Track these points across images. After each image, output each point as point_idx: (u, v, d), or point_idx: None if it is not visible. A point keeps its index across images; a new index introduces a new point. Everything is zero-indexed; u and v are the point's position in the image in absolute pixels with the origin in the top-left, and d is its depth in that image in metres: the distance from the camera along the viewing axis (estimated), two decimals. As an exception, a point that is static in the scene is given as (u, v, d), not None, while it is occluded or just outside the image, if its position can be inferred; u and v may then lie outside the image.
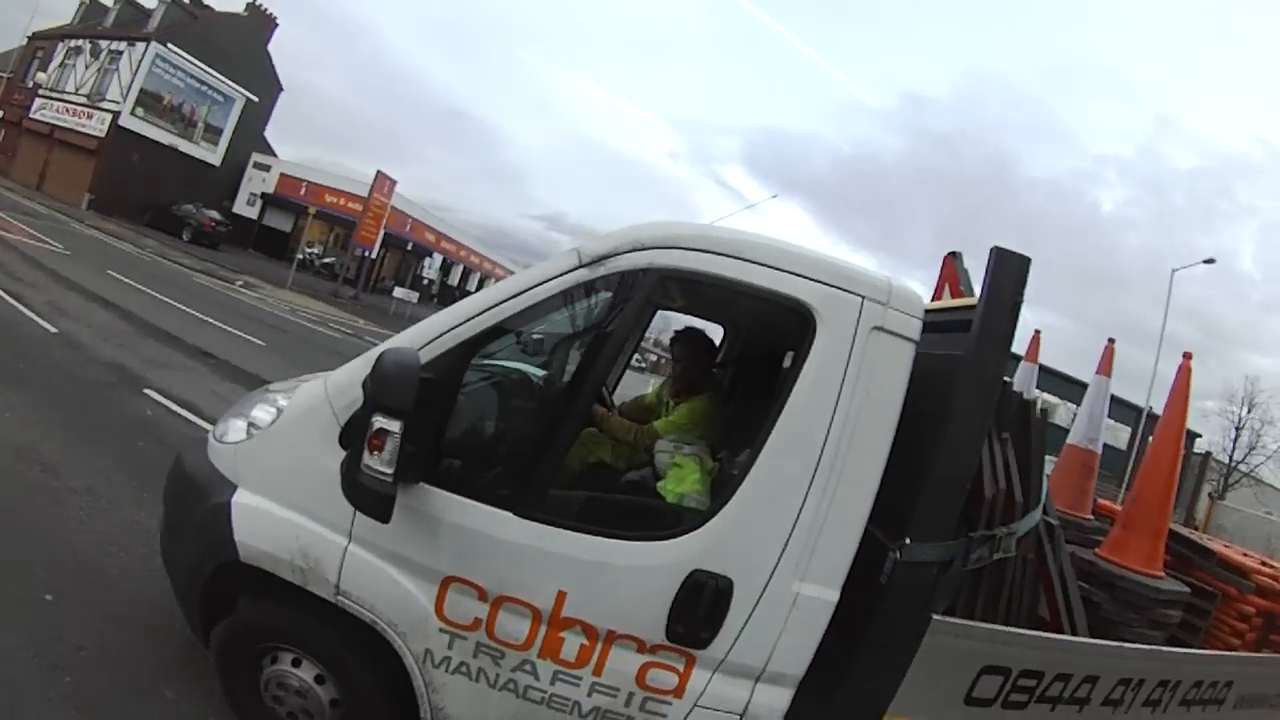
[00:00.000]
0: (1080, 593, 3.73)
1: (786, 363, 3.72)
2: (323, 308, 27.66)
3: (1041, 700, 3.14)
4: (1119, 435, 36.61)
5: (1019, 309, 2.90)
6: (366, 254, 37.92)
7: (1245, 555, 4.51)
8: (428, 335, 3.07)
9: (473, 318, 3.06)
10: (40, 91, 40.44)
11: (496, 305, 3.06)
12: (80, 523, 5.14)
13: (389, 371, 2.66)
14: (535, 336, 4.21)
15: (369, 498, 2.73)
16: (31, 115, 40.32)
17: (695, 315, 4.60)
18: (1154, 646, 3.49)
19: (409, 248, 47.27)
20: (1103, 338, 5.33)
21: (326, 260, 42.30)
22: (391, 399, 2.64)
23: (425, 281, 47.03)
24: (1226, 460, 46.58)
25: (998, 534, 3.10)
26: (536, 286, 3.05)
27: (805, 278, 2.93)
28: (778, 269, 2.94)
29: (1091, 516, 4.99)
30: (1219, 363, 74.74)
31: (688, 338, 4.47)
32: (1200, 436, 45.55)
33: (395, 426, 2.64)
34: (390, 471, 2.67)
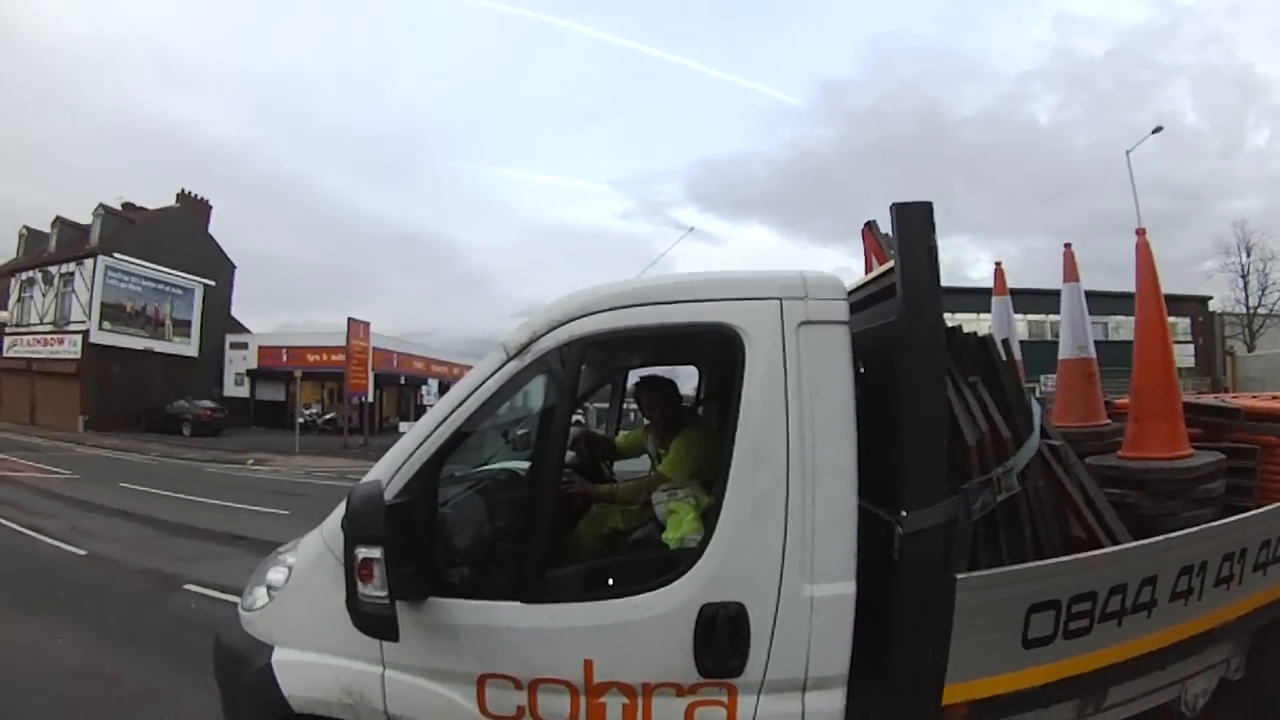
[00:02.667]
0: (1114, 499, 3.69)
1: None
2: (336, 462, 27.84)
3: (1104, 619, 3.09)
4: (1130, 328, 36.43)
5: (935, 254, 2.88)
6: (363, 400, 38.30)
7: (1275, 398, 4.45)
8: (394, 464, 3.16)
9: (429, 435, 3.15)
10: (7, 330, 41.07)
11: (447, 417, 3.16)
12: (155, 720, 5.26)
13: (357, 506, 2.81)
14: (521, 432, 4.34)
15: (373, 622, 2.84)
16: (6, 354, 40.93)
17: (659, 364, 4.74)
18: (1202, 526, 3.39)
19: (402, 381, 47.75)
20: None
21: (327, 416, 42.62)
22: (364, 530, 2.79)
23: (428, 409, 47.29)
24: (1245, 310, 46.36)
25: (994, 475, 3.09)
26: (476, 390, 3.14)
27: (717, 300, 3.00)
28: (689, 301, 3.01)
29: (1109, 421, 4.96)
30: (1202, 221, 75.01)
31: (644, 386, 4.53)
32: (1211, 298, 45.61)
33: (376, 553, 2.76)
34: (384, 594, 2.77)
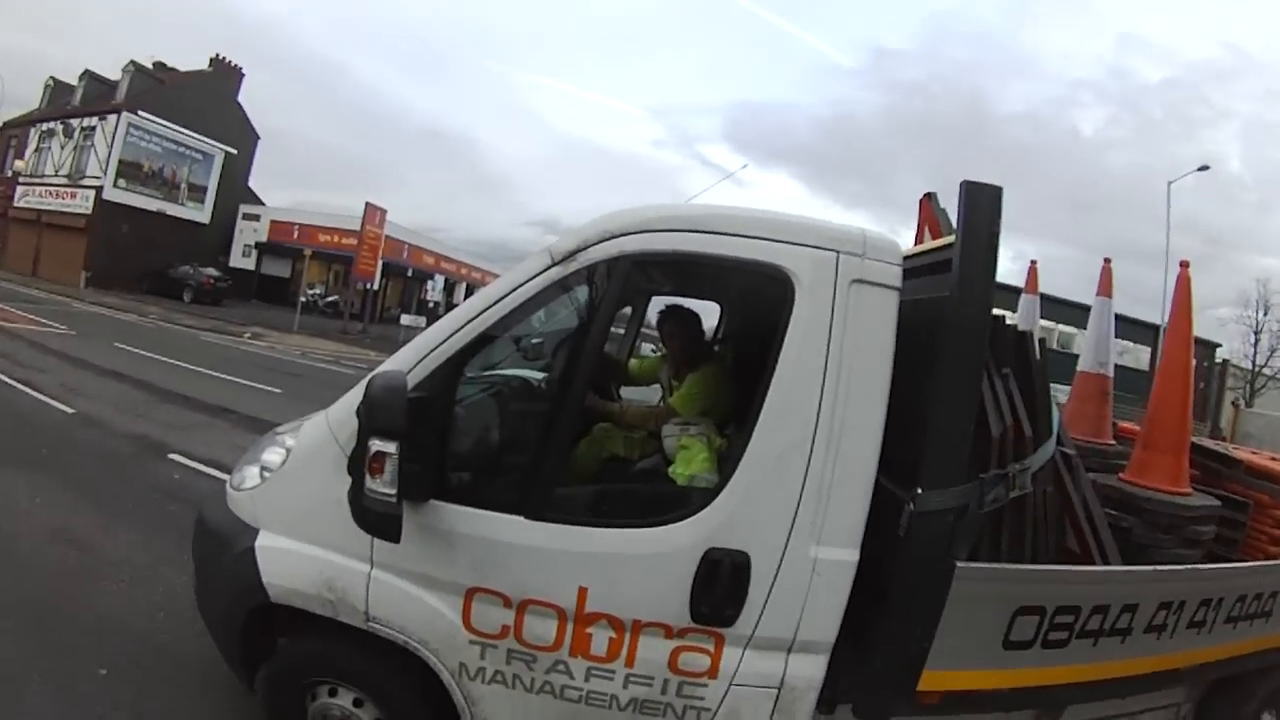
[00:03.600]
0: (1108, 519, 3.68)
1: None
2: (333, 346, 27.71)
3: (1082, 635, 3.11)
4: (1140, 357, 36.31)
5: (997, 240, 2.85)
6: (368, 287, 38.07)
7: (1274, 459, 4.45)
8: (416, 356, 3.09)
9: (456, 331, 3.08)
10: (20, 179, 40.71)
11: (478, 315, 3.08)
12: (123, 594, 5.18)
13: (378, 396, 2.71)
14: (535, 341, 4.29)
15: (377, 520, 2.77)
16: (16, 204, 40.66)
17: (684, 296, 4.62)
18: (1188, 566, 3.43)
19: (409, 274, 47.39)
20: (1106, 258, 5.26)
21: (330, 299, 42.31)
22: (383, 421, 2.68)
23: (431, 304, 46.99)
24: (1250, 367, 46.38)
25: (1011, 471, 3.06)
26: (513, 291, 3.06)
27: (777, 241, 2.91)
28: (748, 237, 2.93)
29: (1114, 441, 4.94)
30: (1226, 269, 74.12)
31: (671, 315, 4.49)
32: (1220, 346, 45.50)
33: (391, 448, 2.68)
34: (393, 492, 2.70)
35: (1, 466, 7.58)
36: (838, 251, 2.88)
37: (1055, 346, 31.58)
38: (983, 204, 2.85)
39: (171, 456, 8.87)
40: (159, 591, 5.22)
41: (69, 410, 10.58)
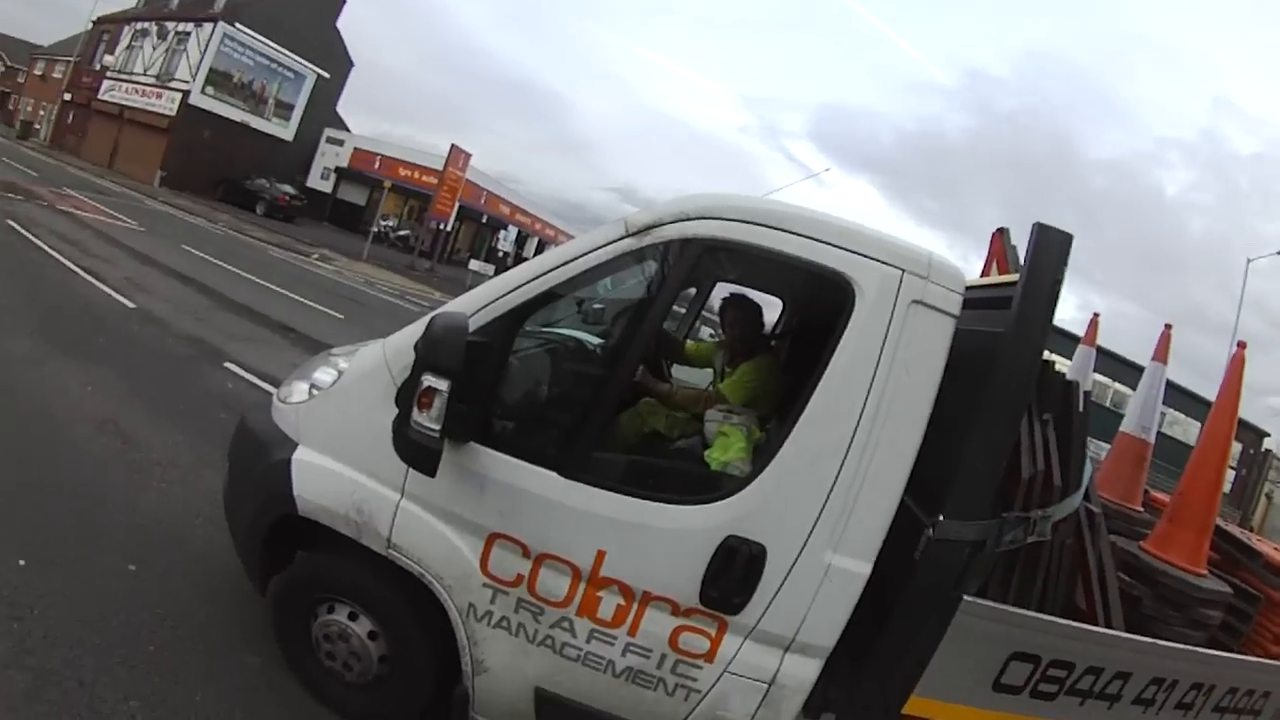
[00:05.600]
0: (1121, 585, 3.66)
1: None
2: (399, 280, 27.72)
3: (1071, 693, 3.11)
4: (1189, 430, 35.51)
5: (1059, 286, 2.86)
6: (442, 227, 38.23)
7: None
8: (480, 301, 3.18)
9: (522, 285, 3.15)
10: (108, 74, 41.50)
11: (545, 273, 3.15)
12: (162, 493, 5.27)
13: (438, 334, 2.80)
14: (597, 306, 4.39)
15: (417, 452, 2.87)
16: (100, 97, 41.43)
17: (750, 287, 4.72)
18: (1189, 647, 3.36)
19: (484, 220, 47.34)
20: (1171, 322, 5.21)
21: (401, 233, 42.34)
22: (440, 359, 2.77)
23: (500, 254, 47.01)
24: None
25: (1033, 516, 3.08)
26: (584, 255, 3.13)
27: (845, 249, 2.95)
28: (818, 240, 2.96)
29: (1142, 509, 4.88)
30: None
31: (734, 303, 4.55)
32: (1269, 435, 44.41)
33: (443, 385, 2.77)
34: (438, 428, 2.80)
35: (58, 352, 7.68)
36: (903, 270, 2.92)
37: (1108, 405, 31.05)
38: (1051, 249, 2.87)
39: (227, 365, 8.99)
40: (198, 495, 5.28)
41: (130, 305, 10.67)
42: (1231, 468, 40.97)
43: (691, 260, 3.09)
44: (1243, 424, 41.95)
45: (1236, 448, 42.44)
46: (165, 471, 5.60)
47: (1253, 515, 32.17)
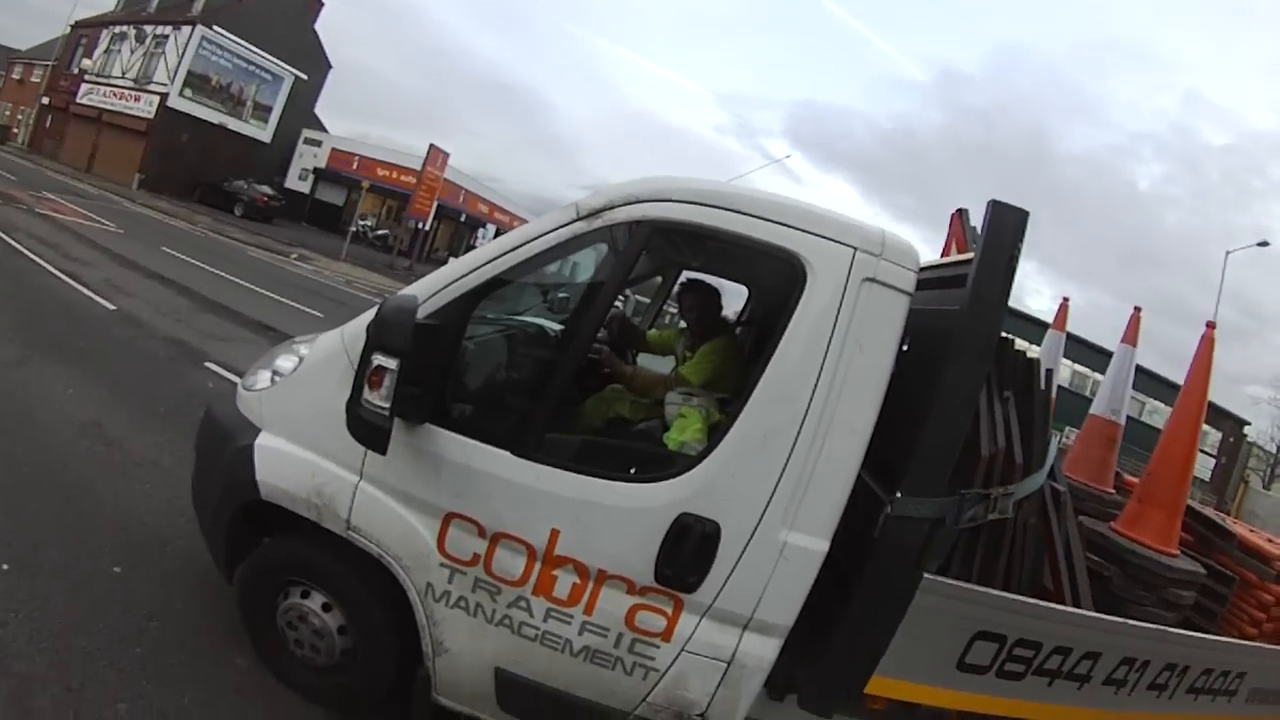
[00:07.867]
0: (1091, 566, 3.69)
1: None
2: (378, 279, 27.55)
3: (1039, 673, 3.12)
4: (1164, 416, 35.78)
5: (1015, 263, 2.85)
6: (420, 226, 38.08)
7: (1270, 541, 4.39)
8: (434, 286, 3.19)
9: (475, 269, 3.17)
10: (86, 77, 41.23)
11: (498, 257, 3.17)
12: (146, 495, 5.22)
13: (388, 314, 2.82)
14: (562, 295, 4.45)
15: (367, 430, 2.89)
16: (78, 100, 41.13)
17: (711, 274, 4.72)
18: (1159, 626, 3.37)
19: (462, 219, 47.30)
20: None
21: (380, 232, 42.20)
22: (389, 338, 2.80)
23: (481, 249, 47.10)
24: (1275, 450, 45.76)
25: (993, 494, 3.08)
26: (536, 239, 3.14)
27: (796, 229, 2.95)
28: (769, 220, 2.96)
29: (1113, 490, 4.91)
30: (1262, 347, 73.01)
31: (691, 288, 4.56)
32: (1249, 424, 44.80)
33: (392, 364, 2.80)
34: (387, 406, 2.82)
35: (40, 355, 7.63)
36: (855, 248, 2.92)
37: (1087, 394, 31.16)
38: (1007, 226, 2.87)
39: (208, 365, 8.97)
40: (182, 496, 4.88)
41: (111, 307, 10.61)
42: (1211, 455, 41.38)
43: (641, 242, 3.10)
44: (1224, 413, 42.57)
45: (1217, 436, 43.04)
46: (148, 473, 5.57)
47: (1228, 499, 32.39)
